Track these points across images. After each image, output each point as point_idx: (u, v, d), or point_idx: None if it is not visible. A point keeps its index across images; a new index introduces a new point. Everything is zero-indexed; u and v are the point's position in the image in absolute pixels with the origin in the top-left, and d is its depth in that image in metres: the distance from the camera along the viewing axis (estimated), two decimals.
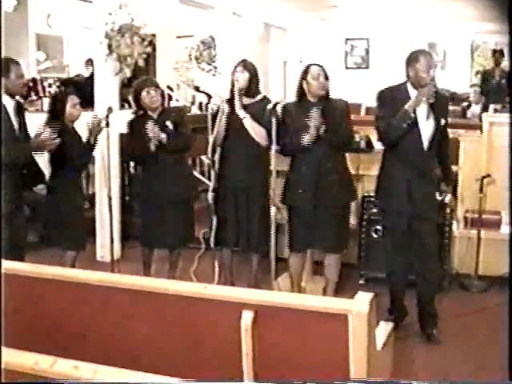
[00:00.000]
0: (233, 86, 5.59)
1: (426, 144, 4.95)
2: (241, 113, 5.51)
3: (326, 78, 5.33)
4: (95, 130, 5.59)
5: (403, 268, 5.23)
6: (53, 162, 5.54)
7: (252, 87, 5.60)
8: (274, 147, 5.22)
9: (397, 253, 5.18)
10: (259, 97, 5.66)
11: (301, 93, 5.37)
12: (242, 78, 5.53)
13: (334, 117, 5.24)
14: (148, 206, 5.86)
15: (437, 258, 5.32)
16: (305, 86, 5.32)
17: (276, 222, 5.38)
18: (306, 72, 5.33)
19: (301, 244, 5.54)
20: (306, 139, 5.18)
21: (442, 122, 4.97)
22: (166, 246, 5.97)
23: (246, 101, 5.58)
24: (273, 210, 5.32)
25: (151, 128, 5.47)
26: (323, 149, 5.24)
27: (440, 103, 4.98)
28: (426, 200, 5.00)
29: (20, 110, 5.33)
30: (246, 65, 5.58)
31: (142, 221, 6.00)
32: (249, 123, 5.50)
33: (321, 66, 5.37)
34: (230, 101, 5.58)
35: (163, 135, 5.52)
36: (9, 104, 5.15)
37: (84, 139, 5.61)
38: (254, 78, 5.60)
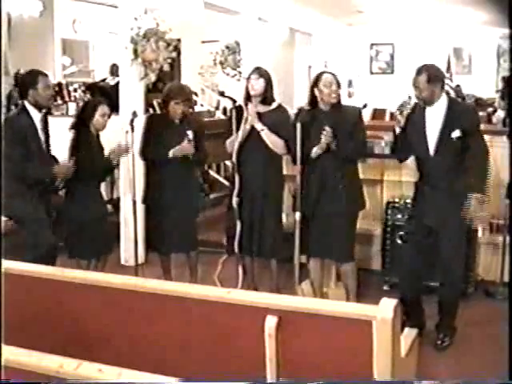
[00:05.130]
0: (247, 93, 5.60)
1: (432, 150, 4.90)
2: (258, 126, 5.50)
3: (338, 85, 5.29)
4: (117, 154, 5.67)
5: (417, 275, 5.21)
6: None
7: (268, 94, 5.58)
8: (298, 153, 5.21)
9: (416, 259, 5.16)
10: (274, 105, 5.64)
11: (313, 100, 5.36)
12: (258, 85, 5.52)
13: (344, 128, 5.20)
14: (156, 211, 5.91)
15: (458, 264, 5.25)
16: (317, 93, 5.29)
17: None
18: (317, 79, 5.31)
19: (312, 251, 5.54)
20: (315, 152, 5.21)
21: (455, 133, 4.78)
22: (171, 251, 6.04)
23: (262, 109, 5.57)
24: (297, 215, 5.32)
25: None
26: (332, 158, 5.24)
27: (457, 114, 4.86)
28: (449, 211, 4.94)
29: (46, 123, 5.41)
30: (260, 72, 5.56)
31: (151, 226, 6.06)
32: (266, 135, 5.50)
33: (333, 74, 5.33)
34: (245, 107, 5.59)
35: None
36: (36, 117, 5.24)
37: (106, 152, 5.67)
38: (269, 85, 5.57)
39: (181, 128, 5.71)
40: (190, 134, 5.68)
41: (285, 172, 5.90)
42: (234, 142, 5.59)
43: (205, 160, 6.12)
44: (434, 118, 4.88)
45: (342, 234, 5.38)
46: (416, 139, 4.96)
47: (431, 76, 4.83)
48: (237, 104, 5.75)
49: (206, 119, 9.57)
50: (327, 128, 5.11)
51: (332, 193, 5.27)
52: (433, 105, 4.88)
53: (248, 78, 5.59)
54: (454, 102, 5.02)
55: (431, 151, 4.90)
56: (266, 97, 5.57)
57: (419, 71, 4.86)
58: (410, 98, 5.03)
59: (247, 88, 5.57)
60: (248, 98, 5.59)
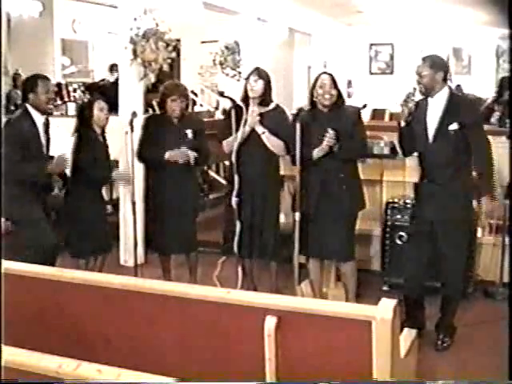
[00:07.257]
0: (246, 93, 5.57)
1: (430, 140, 4.91)
2: (259, 129, 5.48)
3: (335, 86, 5.24)
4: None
5: (422, 275, 5.20)
6: (74, 169, 5.57)
7: (266, 96, 5.56)
8: (298, 154, 5.20)
9: (420, 259, 5.15)
10: (272, 105, 5.61)
11: (312, 101, 5.33)
12: (257, 86, 5.49)
13: (344, 129, 5.19)
14: (156, 211, 5.91)
15: (460, 263, 5.25)
16: (315, 94, 5.27)
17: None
18: (316, 80, 5.29)
19: (312, 251, 5.52)
20: (316, 153, 5.19)
21: (453, 126, 4.83)
22: (172, 251, 6.03)
23: (260, 109, 5.55)
24: (297, 215, 5.31)
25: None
26: (333, 159, 5.21)
27: (457, 107, 4.90)
28: (449, 205, 4.95)
29: (47, 127, 5.47)
30: (259, 73, 5.52)
31: (151, 226, 6.06)
32: (267, 138, 5.48)
33: (330, 75, 5.29)
34: (245, 107, 5.57)
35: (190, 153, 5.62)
36: (39, 120, 5.32)
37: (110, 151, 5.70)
38: (267, 87, 5.55)
39: (180, 128, 5.70)
40: (189, 133, 5.67)
41: (283, 172, 5.89)
42: (232, 143, 5.57)
43: (206, 160, 6.11)
44: (435, 108, 4.92)
45: (342, 234, 5.35)
46: (418, 130, 4.99)
47: (434, 62, 4.92)
48: (236, 104, 5.70)
49: (205, 119, 9.54)
50: (330, 131, 5.10)
51: (333, 193, 5.25)
52: (434, 95, 4.92)
53: (247, 79, 5.56)
54: (456, 95, 5.07)
55: (430, 140, 4.94)
56: (265, 98, 5.56)
57: (424, 58, 4.96)
58: (414, 89, 5.04)
59: (246, 89, 5.57)
60: (246, 98, 5.58)
